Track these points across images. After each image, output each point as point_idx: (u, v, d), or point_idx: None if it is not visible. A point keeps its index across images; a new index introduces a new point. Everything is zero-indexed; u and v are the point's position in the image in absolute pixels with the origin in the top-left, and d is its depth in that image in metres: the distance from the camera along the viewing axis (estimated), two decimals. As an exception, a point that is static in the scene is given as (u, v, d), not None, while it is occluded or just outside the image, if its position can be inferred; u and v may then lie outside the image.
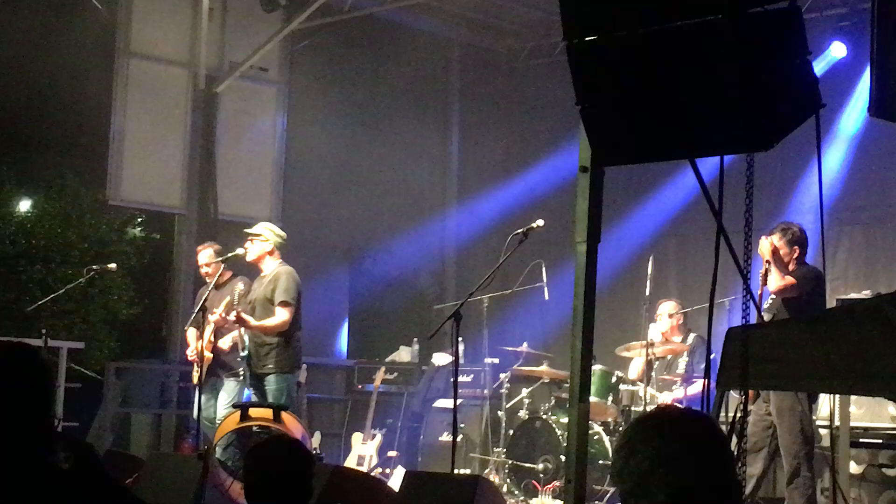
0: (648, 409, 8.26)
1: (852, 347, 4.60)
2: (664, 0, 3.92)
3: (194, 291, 11.06)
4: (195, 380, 9.23)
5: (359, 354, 13.44)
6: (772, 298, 8.00)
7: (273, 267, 9.14)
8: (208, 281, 9.51)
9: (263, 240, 9.14)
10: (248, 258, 9.21)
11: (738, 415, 4.21)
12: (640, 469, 2.39)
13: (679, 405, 8.88)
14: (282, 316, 8.90)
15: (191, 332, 9.61)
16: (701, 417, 2.54)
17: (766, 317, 7.89)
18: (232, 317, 8.86)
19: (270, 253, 9.15)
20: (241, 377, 9.34)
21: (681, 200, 12.44)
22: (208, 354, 9.19)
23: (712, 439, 2.45)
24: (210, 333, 9.22)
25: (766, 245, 7.81)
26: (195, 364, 9.23)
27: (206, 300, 8.99)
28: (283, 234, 9.30)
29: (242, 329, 9.04)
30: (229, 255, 9.38)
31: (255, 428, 8.26)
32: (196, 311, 9.09)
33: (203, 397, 9.23)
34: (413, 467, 10.44)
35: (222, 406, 9.37)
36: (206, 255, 9.75)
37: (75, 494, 2.61)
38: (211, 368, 9.36)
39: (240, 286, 9.34)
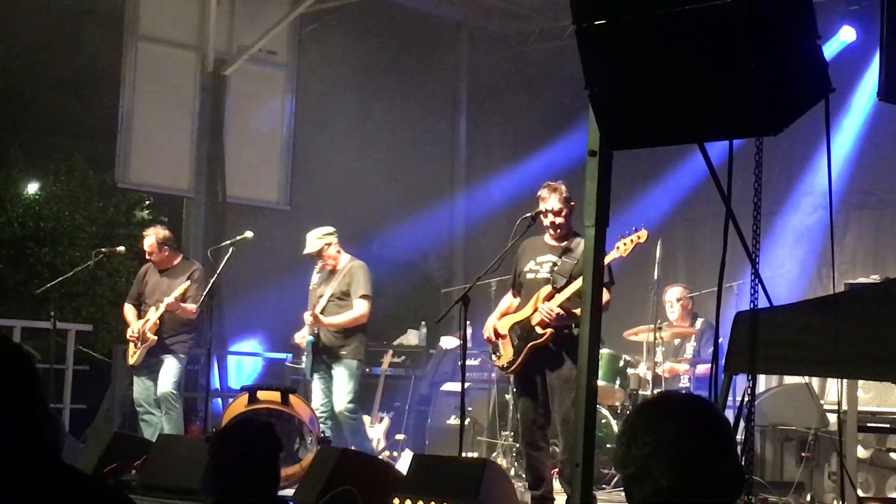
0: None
1: (861, 332, 4.60)
2: (674, -17, 3.91)
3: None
4: (130, 360, 9.56)
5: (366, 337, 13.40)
6: (556, 262, 7.64)
7: (345, 262, 9.49)
8: (154, 266, 9.78)
9: (327, 244, 9.41)
10: (332, 266, 9.45)
11: (747, 399, 4.21)
12: (642, 454, 2.39)
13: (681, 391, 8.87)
14: (360, 308, 9.30)
15: (128, 310, 9.81)
16: (702, 402, 2.53)
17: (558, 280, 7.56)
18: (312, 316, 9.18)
19: (339, 252, 9.49)
20: (183, 355, 9.60)
21: (689, 184, 12.41)
22: (153, 336, 9.44)
23: (713, 423, 2.45)
24: (157, 317, 9.44)
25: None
26: (133, 343, 9.53)
27: (145, 282, 9.68)
28: (331, 229, 9.56)
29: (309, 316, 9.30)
30: (238, 238, 9.45)
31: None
32: (133, 288, 9.86)
33: (141, 378, 9.63)
34: (420, 450, 10.45)
35: (168, 383, 9.46)
36: (147, 243, 9.79)
37: (90, 490, 2.52)
38: (153, 350, 9.51)
39: (196, 273, 9.62)
